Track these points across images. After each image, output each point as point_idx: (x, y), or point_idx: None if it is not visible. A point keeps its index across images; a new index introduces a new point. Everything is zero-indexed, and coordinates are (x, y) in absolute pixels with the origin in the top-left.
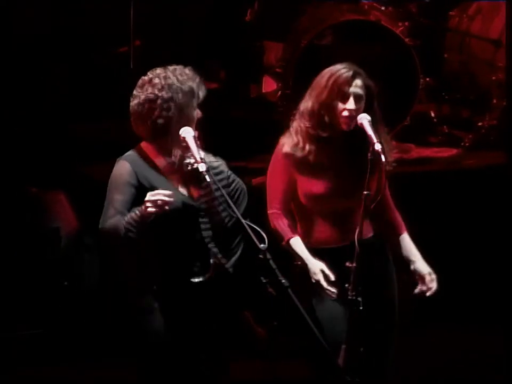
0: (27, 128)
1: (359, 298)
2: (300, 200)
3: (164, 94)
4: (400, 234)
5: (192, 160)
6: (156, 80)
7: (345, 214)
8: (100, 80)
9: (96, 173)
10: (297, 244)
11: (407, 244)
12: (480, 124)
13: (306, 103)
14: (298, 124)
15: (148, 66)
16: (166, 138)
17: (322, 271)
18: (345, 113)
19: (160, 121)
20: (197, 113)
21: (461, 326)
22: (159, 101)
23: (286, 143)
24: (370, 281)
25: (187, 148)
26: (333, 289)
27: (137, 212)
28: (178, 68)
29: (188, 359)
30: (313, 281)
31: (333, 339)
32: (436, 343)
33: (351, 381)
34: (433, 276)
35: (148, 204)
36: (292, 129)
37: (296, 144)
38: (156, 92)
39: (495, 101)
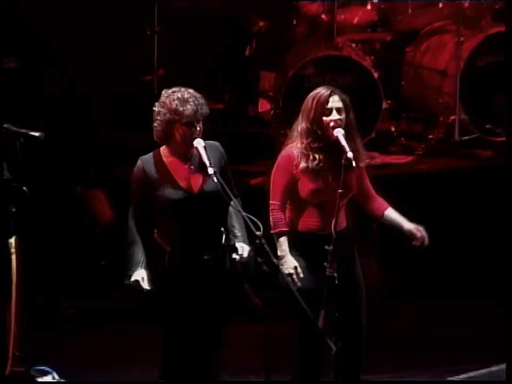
0: (74, 139)
1: (335, 274)
2: (298, 194)
3: (156, 108)
4: (384, 211)
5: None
6: (160, 97)
7: (330, 206)
8: (130, 102)
9: (127, 174)
10: (283, 238)
11: (393, 215)
12: (430, 136)
13: (301, 124)
14: (300, 143)
15: None
16: (170, 143)
17: (295, 268)
18: (332, 124)
19: (156, 129)
20: (198, 127)
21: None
22: (154, 114)
23: (292, 153)
24: (342, 262)
25: (199, 155)
26: (299, 283)
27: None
28: (180, 90)
29: (191, 325)
30: (287, 272)
31: (312, 306)
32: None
33: (329, 340)
34: (420, 228)
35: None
36: (295, 147)
37: (302, 158)
38: (155, 105)
39: (441, 119)
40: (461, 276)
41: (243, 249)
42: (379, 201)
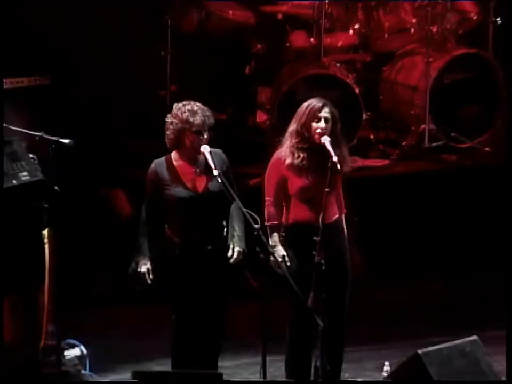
0: (99, 146)
1: (322, 261)
2: (288, 191)
3: (169, 119)
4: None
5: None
6: (173, 110)
7: (317, 201)
8: (147, 114)
9: (143, 176)
10: (275, 230)
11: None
12: (404, 143)
13: (293, 126)
14: (289, 141)
15: None
16: (181, 149)
17: (283, 256)
18: (318, 130)
19: (168, 137)
20: (205, 135)
21: None
22: (167, 124)
23: (281, 155)
24: (330, 250)
25: (206, 159)
26: (281, 271)
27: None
28: (189, 104)
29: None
30: (274, 259)
31: (302, 288)
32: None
33: (317, 317)
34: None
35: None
36: (285, 145)
37: (288, 155)
38: (168, 116)
39: (413, 128)
40: (431, 263)
41: (233, 251)
42: (342, 203)
